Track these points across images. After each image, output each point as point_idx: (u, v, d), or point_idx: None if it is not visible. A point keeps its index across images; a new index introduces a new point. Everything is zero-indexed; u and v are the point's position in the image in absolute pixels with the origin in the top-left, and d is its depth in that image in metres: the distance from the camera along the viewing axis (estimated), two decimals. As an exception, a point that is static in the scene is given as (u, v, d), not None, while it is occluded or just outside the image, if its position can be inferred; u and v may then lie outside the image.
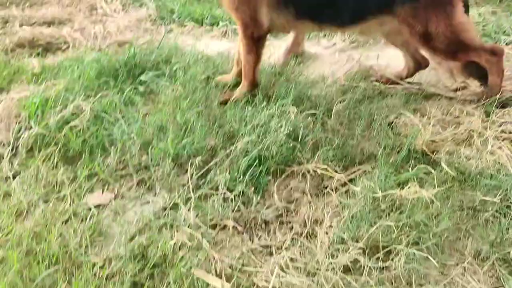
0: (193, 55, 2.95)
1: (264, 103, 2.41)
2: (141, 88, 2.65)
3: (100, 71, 2.75)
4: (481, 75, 2.42)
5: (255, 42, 2.38)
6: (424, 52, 2.58)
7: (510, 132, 2.17)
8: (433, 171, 1.96)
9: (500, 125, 2.21)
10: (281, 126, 2.16)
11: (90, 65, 2.77)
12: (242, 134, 2.17)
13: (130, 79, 2.73)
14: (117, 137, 2.25)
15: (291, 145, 2.11)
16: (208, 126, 2.31)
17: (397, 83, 2.64)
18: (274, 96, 2.47)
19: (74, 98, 2.48)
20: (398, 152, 2.12)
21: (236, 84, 2.65)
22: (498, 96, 2.33)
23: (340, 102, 2.41)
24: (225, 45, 3.24)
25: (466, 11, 2.25)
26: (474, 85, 2.52)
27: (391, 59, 2.91)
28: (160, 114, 2.39)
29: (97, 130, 2.31)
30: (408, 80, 2.67)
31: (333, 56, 3.04)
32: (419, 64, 2.61)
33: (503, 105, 2.33)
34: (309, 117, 2.28)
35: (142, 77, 2.71)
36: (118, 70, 2.76)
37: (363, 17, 2.29)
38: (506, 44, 2.89)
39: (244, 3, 2.27)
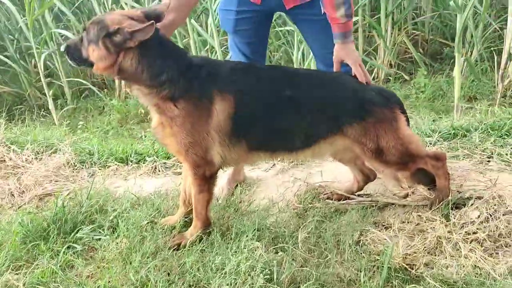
0: (128, 199, 2.72)
1: (223, 242, 2.24)
2: (79, 247, 2.34)
3: (26, 234, 2.41)
4: (428, 181, 2.49)
5: (208, 180, 2.25)
6: (371, 165, 2.63)
7: (474, 233, 2.20)
8: (422, 289, 1.90)
9: (462, 227, 2.24)
10: (252, 268, 1.99)
11: (12, 229, 2.42)
12: (211, 285, 1.96)
13: (62, 237, 2.41)
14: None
15: (269, 286, 1.93)
16: (167, 278, 2.07)
17: (349, 198, 2.63)
18: (231, 232, 2.31)
19: (0, 273, 2.12)
20: (377, 272, 2.04)
21: (184, 225, 2.45)
22: (449, 198, 2.38)
23: (303, 229, 2.31)
24: (158, 182, 3.06)
25: (408, 124, 2.35)
26: (421, 189, 2.58)
27: (334, 173, 2.93)
28: (109, 273, 2.10)
29: (36, 309, 1.96)
30: (359, 193, 2.67)
31: (276, 177, 2.99)
32: (368, 177, 2.64)
33: (456, 206, 2.39)
34: (279, 252, 2.14)
35: (78, 234, 2.41)
36: (46, 229, 2.43)
37: (314, 140, 2.29)
38: (432, 144, 3.06)
39: (195, 145, 2.15)
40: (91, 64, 2.12)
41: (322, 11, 2.43)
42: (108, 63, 2.06)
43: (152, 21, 2.00)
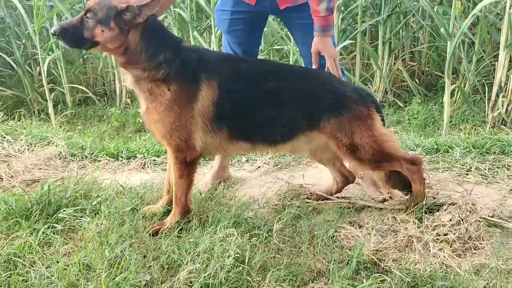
0: (114, 188, 2.78)
1: (201, 228, 2.29)
2: (59, 226, 2.39)
3: (9, 212, 2.46)
4: (404, 186, 2.55)
5: (188, 166, 2.32)
6: (349, 166, 2.70)
7: (445, 234, 2.25)
8: (388, 278, 1.94)
9: (434, 229, 2.29)
10: (226, 251, 2.04)
11: (-4, 207, 2.48)
12: (184, 263, 2.00)
13: (44, 218, 2.46)
14: (35, 281, 1.95)
15: (239, 268, 1.97)
16: (142, 259, 2.11)
17: (328, 199, 2.68)
18: (209, 221, 2.36)
19: (-22, 243, 2.16)
20: (347, 265, 2.08)
21: (166, 213, 2.51)
22: (424, 202, 2.44)
23: (279, 221, 2.36)
24: (145, 176, 3.12)
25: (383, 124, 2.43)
26: (399, 195, 2.64)
27: (316, 177, 3.00)
28: (85, 251, 2.14)
29: (9, 276, 1.99)
30: (338, 195, 2.73)
31: (260, 178, 3.06)
32: (347, 179, 2.70)
33: (430, 210, 2.44)
34: (253, 238, 2.18)
35: (60, 215, 2.46)
36: (30, 209, 2.49)
37: (293, 134, 2.36)
38: (415, 157, 3.12)
39: (179, 128, 2.24)
40: (90, 46, 2.21)
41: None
42: (119, 42, 2.17)
43: None
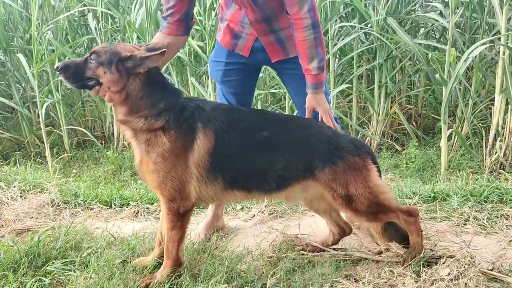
0: (105, 238, 2.73)
1: (192, 283, 2.22)
2: (47, 280, 2.32)
3: (-4, 264, 2.40)
4: (401, 238, 2.50)
5: (181, 217, 2.28)
6: (346, 217, 2.66)
7: (444, 290, 2.18)
8: None
9: (432, 284, 2.23)
10: (216, 309, 1.97)
11: (-17, 259, 2.42)
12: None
13: (32, 270, 2.40)
14: None
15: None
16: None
17: (324, 251, 2.63)
18: (201, 276, 2.30)
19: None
20: (343, 323, 2.02)
21: (157, 266, 2.44)
22: (421, 255, 2.38)
23: (272, 275, 2.30)
24: (138, 225, 3.07)
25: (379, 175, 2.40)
26: (396, 247, 2.58)
27: (311, 227, 2.94)
28: (72, 308, 2.08)
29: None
30: (334, 247, 2.67)
31: (255, 228, 3.01)
32: (343, 231, 2.65)
33: (428, 263, 2.38)
34: (245, 295, 2.12)
35: (48, 268, 2.40)
36: (18, 261, 2.43)
37: (288, 182, 2.34)
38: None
39: (173, 178, 2.22)
40: (90, 85, 2.24)
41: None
42: (119, 87, 2.21)
43: (163, 49, 2.19)
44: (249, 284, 2.25)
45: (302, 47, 2.45)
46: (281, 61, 2.65)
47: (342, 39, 5.06)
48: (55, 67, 2.29)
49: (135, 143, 2.30)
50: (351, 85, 5.46)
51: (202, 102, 2.37)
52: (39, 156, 5.72)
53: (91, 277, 2.31)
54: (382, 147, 5.48)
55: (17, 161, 5.32)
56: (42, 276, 2.35)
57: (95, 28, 5.61)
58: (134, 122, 2.25)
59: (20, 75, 6.27)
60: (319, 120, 2.51)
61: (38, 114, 5.84)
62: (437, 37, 6.14)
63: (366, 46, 5.27)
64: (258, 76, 2.92)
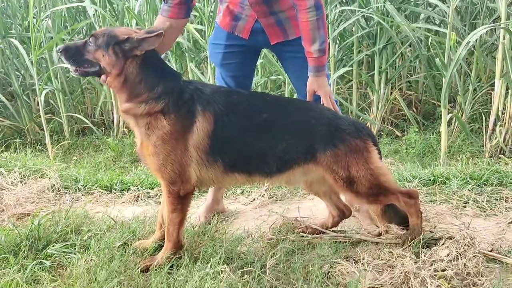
0: (106, 222, 2.74)
1: (192, 265, 2.23)
2: (48, 263, 2.33)
3: (-3, 247, 2.42)
4: (400, 220, 2.51)
5: (181, 200, 2.28)
6: (345, 200, 2.66)
7: (442, 270, 2.19)
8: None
9: (432, 264, 2.23)
10: (216, 288, 1.98)
11: (-16, 243, 2.43)
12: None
13: (33, 253, 2.41)
14: (20, 322, 1.90)
15: (231, 308, 1.92)
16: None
17: (323, 233, 2.63)
18: (201, 257, 2.31)
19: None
20: (342, 303, 2.03)
21: (157, 249, 2.45)
22: (421, 236, 2.39)
23: (272, 256, 2.31)
24: (138, 209, 3.08)
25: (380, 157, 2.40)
26: (396, 228, 2.58)
27: (311, 210, 2.95)
28: (73, 289, 2.09)
29: (-6, 317, 1.94)
30: (333, 229, 2.68)
31: (255, 211, 3.02)
32: (343, 213, 2.66)
33: (427, 244, 2.39)
34: (245, 275, 2.13)
35: (49, 251, 2.41)
36: (19, 245, 2.44)
37: (289, 165, 2.33)
38: (411, 188, 3.08)
39: (173, 161, 2.22)
40: (91, 68, 2.27)
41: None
42: (118, 70, 2.22)
43: (160, 31, 2.20)
44: (249, 265, 2.25)
45: (305, 29, 2.44)
46: (281, 44, 2.63)
47: (343, 24, 5.02)
48: (57, 48, 2.34)
49: (137, 129, 2.31)
50: (351, 70, 5.44)
51: (201, 85, 2.36)
52: (39, 144, 5.72)
53: (91, 259, 2.32)
54: (382, 133, 5.47)
55: (17, 148, 5.32)
56: (43, 259, 2.36)
57: (93, 14, 5.58)
58: (135, 108, 2.24)
59: (19, 63, 6.25)
60: (320, 103, 2.51)
61: (38, 102, 5.83)
62: (437, 22, 6.09)
63: (366, 31, 5.23)
64: (257, 59, 2.91)
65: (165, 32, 2.30)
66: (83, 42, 2.29)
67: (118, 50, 2.21)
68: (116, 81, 2.24)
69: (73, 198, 3.26)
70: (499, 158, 4.42)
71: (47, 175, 3.50)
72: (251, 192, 3.29)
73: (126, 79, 2.23)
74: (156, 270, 2.24)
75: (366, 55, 5.62)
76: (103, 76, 2.27)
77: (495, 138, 4.64)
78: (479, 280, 2.15)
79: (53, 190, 3.32)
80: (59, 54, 2.32)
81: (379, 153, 2.38)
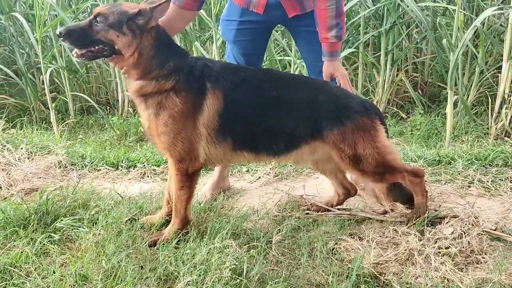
0: (113, 198, 2.77)
1: (199, 240, 2.26)
2: (56, 236, 2.37)
3: (6, 221, 2.45)
4: (405, 199, 2.53)
5: (189, 177, 2.29)
6: (351, 178, 2.68)
7: (446, 248, 2.22)
8: (388, 293, 1.91)
9: (436, 242, 2.26)
10: (223, 262, 2.01)
11: (-7, 216, 2.46)
12: (181, 275, 1.97)
13: (42, 227, 2.45)
14: (31, 293, 1.93)
15: (237, 281, 1.94)
16: (139, 270, 2.09)
17: (329, 211, 2.66)
18: (208, 232, 2.34)
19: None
20: (347, 278, 2.05)
21: (164, 224, 2.48)
22: (426, 215, 2.41)
23: (278, 233, 2.34)
24: (145, 186, 3.10)
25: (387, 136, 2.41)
26: (400, 207, 2.60)
27: (317, 188, 2.97)
28: (81, 261, 2.12)
29: (5, 287, 1.98)
30: (338, 207, 2.70)
31: (260, 189, 3.04)
32: (348, 192, 2.68)
33: (432, 223, 2.41)
34: (251, 250, 2.16)
35: (57, 224, 2.44)
36: (28, 218, 2.48)
37: (296, 143, 2.34)
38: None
39: (183, 139, 2.22)
40: (103, 49, 2.17)
41: None
42: (134, 47, 2.16)
43: None
44: (255, 241, 2.28)
45: (322, 16, 2.43)
46: (297, 17, 2.62)
47: (349, 3, 4.97)
48: (57, 32, 2.16)
49: (145, 110, 2.26)
50: (357, 51, 5.41)
51: (210, 62, 2.34)
52: (44, 122, 5.74)
53: (99, 233, 2.35)
54: (387, 114, 5.47)
55: (23, 126, 5.34)
56: (51, 233, 2.39)
57: (99, -8, 5.55)
58: (146, 86, 2.21)
59: (24, 41, 6.24)
60: (337, 84, 2.50)
61: (43, 80, 5.84)
62: (445, 3, 6.04)
63: (372, 11, 5.18)
64: (269, 37, 2.89)
65: (173, 20, 2.33)
66: (88, 23, 2.16)
67: (134, 27, 2.14)
68: (131, 59, 2.18)
69: (80, 175, 3.29)
70: (505, 140, 4.41)
71: (54, 152, 3.53)
72: (257, 170, 3.31)
73: (141, 55, 2.18)
74: (163, 244, 2.27)
75: (372, 36, 5.58)
76: (115, 57, 2.19)
77: (501, 121, 4.63)
78: (483, 257, 2.17)
79: (60, 167, 3.35)
80: (61, 38, 2.15)
81: (386, 131, 2.38)
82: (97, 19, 2.15)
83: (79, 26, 2.18)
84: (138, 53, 2.18)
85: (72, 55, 2.23)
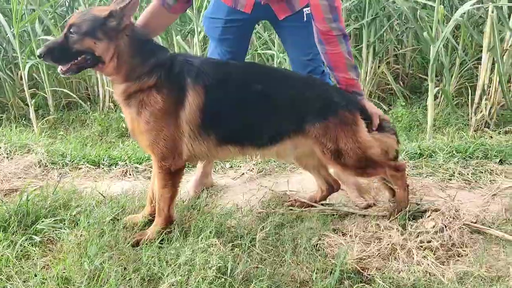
0: (94, 197, 2.74)
1: (182, 239, 2.25)
2: (37, 238, 2.33)
3: (-14, 223, 2.40)
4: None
5: (173, 175, 2.28)
6: (334, 173, 2.69)
7: (428, 241, 2.24)
8: (372, 288, 1.93)
9: (418, 236, 2.28)
10: (207, 262, 2.00)
11: (-28, 218, 2.41)
12: (165, 276, 1.96)
13: (22, 229, 2.40)
14: (12, 297, 1.90)
15: (222, 280, 1.94)
16: (122, 272, 2.07)
17: (312, 206, 2.67)
18: (192, 231, 2.33)
19: (-47, 257, 2.10)
20: (330, 274, 2.06)
21: (147, 224, 2.46)
22: (407, 209, 2.43)
23: (262, 230, 2.33)
24: (127, 184, 3.07)
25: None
26: (383, 202, 2.63)
27: (300, 184, 2.98)
28: (63, 264, 2.09)
29: (-15, 292, 1.95)
30: (322, 202, 2.71)
31: (244, 185, 3.04)
32: (332, 187, 2.69)
33: (414, 217, 2.43)
34: (235, 249, 2.15)
35: (38, 226, 2.40)
36: (7, 220, 2.43)
37: (280, 137, 2.34)
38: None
39: (166, 137, 2.20)
40: (85, 64, 2.15)
41: (305, 19, 2.56)
42: (112, 50, 2.12)
43: None
44: (239, 238, 2.28)
45: (339, 60, 2.42)
46: (287, 17, 2.62)
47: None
48: (37, 54, 2.14)
49: (127, 110, 2.24)
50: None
51: (190, 57, 2.32)
52: (23, 119, 5.65)
53: (81, 234, 2.32)
54: (369, 107, 5.49)
55: (2, 123, 5.25)
56: (32, 234, 2.35)
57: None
58: (131, 86, 2.18)
59: (1, 36, 6.11)
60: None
61: (21, 76, 5.73)
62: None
63: (354, 3, 5.19)
64: (253, 31, 2.87)
65: (159, 20, 2.38)
66: (64, 36, 2.13)
67: (108, 30, 2.10)
68: (111, 64, 2.15)
69: (60, 174, 3.24)
70: (484, 131, 4.47)
71: (33, 151, 3.47)
72: (240, 166, 3.31)
73: (120, 57, 2.15)
74: (146, 244, 2.25)
75: (354, 28, 5.59)
76: (99, 65, 2.16)
77: (480, 112, 4.69)
78: (464, 251, 2.20)
79: (40, 166, 3.30)
80: (42, 59, 2.13)
81: (367, 126, 2.37)
82: (71, 30, 2.12)
83: (56, 42, 2.15)
84: (117, 55, 2.14)
85: (59, 73, 2.19)
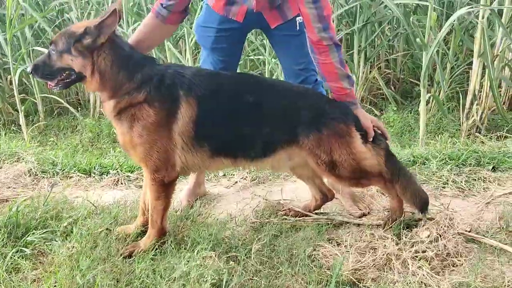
0: (86, 207, 2.70)
1: (176, 251, 2.23)
2: (28, 251, 2.29)
3: (-26, 236, 2.36)
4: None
5: (166, 187, 2.25)
6: (328, 183, 2.67)
7: (423, 251, 2.23)
8: (368, 301, 1.91)
9: (412, 245, 2.27)
10: (202, 275, 1.98)
11: (-40, 231, 2.37)
12: (159, 290, 1.94)
13: (12, 241, 2.36)
14: (2, 313, 1.87)
15: (217, 295, 1.92)
16: (115, 285, 2.04)
17: (306, 215, 2.65)
18: (185, 243, 2.30)
19: None
20: (326, 286, 2.05)
21: (140, 235, 2.43)
22: (402, 218, 2.43)
23: (257, 241, 2.31)
24: (119, 193, 3.04)
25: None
26: (377, 211, 2.62)
27: (294, 192, 2.97)
28: (55, 277, 2.06)
29: (-26, 308, 1.91)
30: (316, 211, 2.70)
31: (237, 194, 3.01)
32: (326, 196, 2.68)
33: (408, 226, 2.43)
34: (230, 262, 2.13)
35: (29, 238, 2.36)
36: (-3, 233, 2.39)
37: (274, 149, 2.32)
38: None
39: (159, 150, 2.18)
40: (71, 79, 2.17)
41: (297, 28, 2.55)
42: (90, 67, 2.11)
43: (114, 8, 2.07)
44: (233, 250, 2.25)
45: (330, 70, 2.38)
46: (279, 25, 2.60)
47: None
48: (27, 71, 2.23)
49: (118, 124, 2.22)
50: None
51: (180, 68, 2.29)
52: (13, 125, 5.59)
53: (73, 246, 2.28)
54: (361, 112, 5.49)
55: (-8, 130, 5.18)
56: (22, 247, 2.31)
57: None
58: (120, 103, 2.16)
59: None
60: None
61: (11, 81, 5.67)
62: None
63: (345, 9, 5.20)
64: (245, 39, 2.86)
65: (155, 34, 2.37)
66: (47, 53, 2.17)
67: (81, 47, 2.10)
68: (94, 81, 2.14)
69: (51, 183, 3.19)
70: (476, 136, 4.50)
71: (23, 159, 3.42)
72: (234, 175, 3.28)
73: (102, 75, 2.13)
74: (139, 256, 2.22)
75: (346, 33, 5.60)
76: (84, 80, 2.17)
77: (472, 117, 4.72)
78: (458, 260, 2.20)
79: (30, 175, 3.25)
80: (31, 75, 2.23)
81: (363, 137, 2.36)
82: (51, 47, 2.15)
83: (41, 59, 2.19)
84: (98, 73, 2.13)
85: (50, 88, 2.25)
